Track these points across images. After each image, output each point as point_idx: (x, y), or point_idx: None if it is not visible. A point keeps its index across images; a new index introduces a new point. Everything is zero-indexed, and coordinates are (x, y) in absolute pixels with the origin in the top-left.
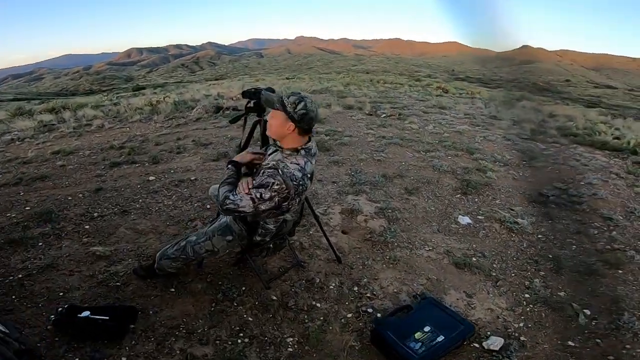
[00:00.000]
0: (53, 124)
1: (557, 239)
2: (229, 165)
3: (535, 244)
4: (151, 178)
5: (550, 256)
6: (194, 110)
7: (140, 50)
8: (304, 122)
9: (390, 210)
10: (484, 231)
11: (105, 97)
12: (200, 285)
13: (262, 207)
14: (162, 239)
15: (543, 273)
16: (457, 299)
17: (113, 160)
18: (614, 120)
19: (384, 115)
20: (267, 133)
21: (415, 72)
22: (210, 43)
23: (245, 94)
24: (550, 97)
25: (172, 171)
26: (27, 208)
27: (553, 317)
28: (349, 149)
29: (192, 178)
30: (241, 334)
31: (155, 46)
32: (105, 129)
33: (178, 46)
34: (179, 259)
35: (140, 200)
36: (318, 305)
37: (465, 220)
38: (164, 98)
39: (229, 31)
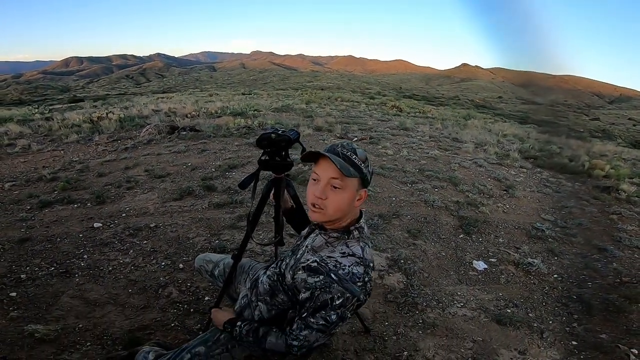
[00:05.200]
0: None
1: (571, 278)
2: (229, 328)
3: (554, 285)
4: (97, 224)
5: (575, 297)
6: (144, 130)
7: (80, 60)
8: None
9: (402, 261)
10: (503, 276)
11: (36, 110)
12: None
13: (338, 329)
14: (128, 314)
15: (577, 316)
16: (511, 359)
17: (43, 198)
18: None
19: (356, 139)
20: (315, 217)
21: (367, 89)
22: (159, 54)
23: (262, 142)
24: (489, 114)
25: (123, 214)
26: None
27: None
28: None
29: (152, 225)
30: None
31: (98, 56)
32: (32, 152)
33: (123, 56)
34: None
35: (86, 257)
36: None
37: (481, 265)
38: (107, 114)
39: (180, 43)
